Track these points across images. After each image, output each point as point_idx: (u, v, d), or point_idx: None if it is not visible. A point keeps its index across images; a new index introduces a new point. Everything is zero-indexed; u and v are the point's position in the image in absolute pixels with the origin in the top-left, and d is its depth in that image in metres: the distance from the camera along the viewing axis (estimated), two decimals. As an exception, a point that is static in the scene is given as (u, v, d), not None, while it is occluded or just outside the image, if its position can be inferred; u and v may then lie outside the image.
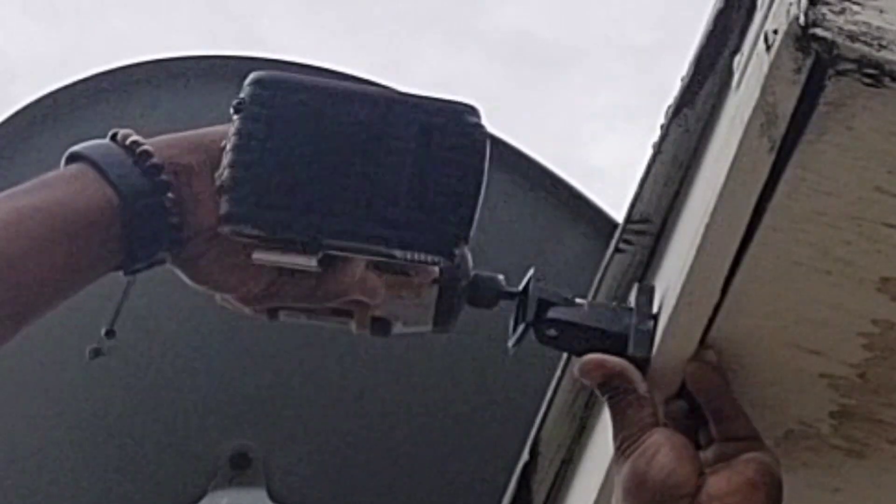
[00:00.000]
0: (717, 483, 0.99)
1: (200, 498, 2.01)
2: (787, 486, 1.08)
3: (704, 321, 1.00)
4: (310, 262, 1.03)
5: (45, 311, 1.02)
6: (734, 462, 1.01)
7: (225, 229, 1.02)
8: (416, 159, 1.03)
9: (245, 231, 1.02)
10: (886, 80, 0.89)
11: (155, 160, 1.03)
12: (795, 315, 1.00)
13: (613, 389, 1.03)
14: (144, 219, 1.02)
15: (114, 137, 1.05)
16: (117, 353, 2.03)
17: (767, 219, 0.95)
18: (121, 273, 1.05)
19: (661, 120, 1.16)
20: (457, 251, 1.03)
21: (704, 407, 1.03)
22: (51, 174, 1.03)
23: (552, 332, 1.08)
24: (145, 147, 1.04)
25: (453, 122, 1.04)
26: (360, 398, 2.08)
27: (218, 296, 1.09)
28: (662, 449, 1.00)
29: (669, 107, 1.15)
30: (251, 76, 1.05)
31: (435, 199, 1.02)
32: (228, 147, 1.02)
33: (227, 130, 1.05)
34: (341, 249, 1.03)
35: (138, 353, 2.04)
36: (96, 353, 1.10)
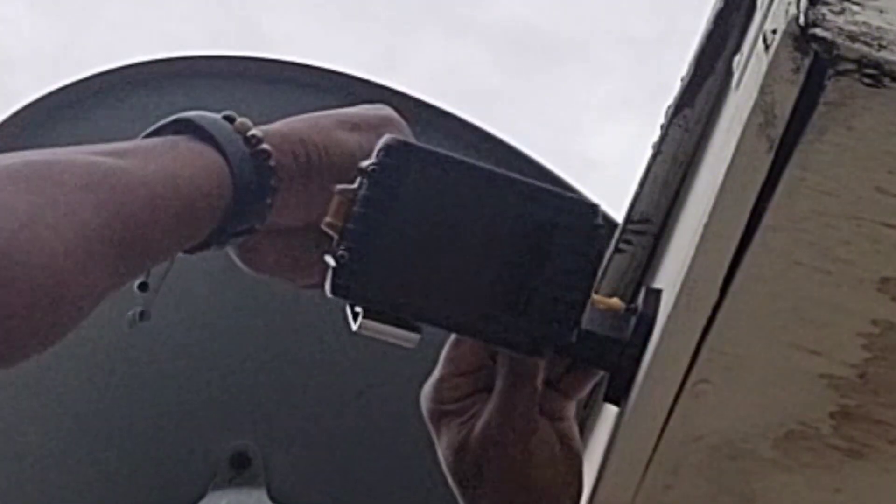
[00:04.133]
0: None
1: (200, 498, 2.00)
2: (787, 486, 1.09)
3: (704, 321, 1.00)
4: (411, 338, 1.04)
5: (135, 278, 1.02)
6: None
7: (332, 297, 1.02)
8: (534, 256, 1.01)
9: (352, 302, 1.03)
10: (886, 80, 0.89)
11: (271, 162, 1.03)
12: (795, 315, 1.00)
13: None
14: (241, 217, 1.02)
15: (229, 119, 1.04)
16: (116, 352, 2.03)
17: (767, 219, 0.95)
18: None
19: (661, 119, 1.16)
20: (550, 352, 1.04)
21: None
22: (175, 144, 1.01)
23: None
24: (265, 147, 1.03)
25: (579, 223, 1.02)
26: (360, 398, 2.08)
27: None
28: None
29: (669, 107, 1.15)
30: (385, 139, 1.03)
31: (544, 304, 1.01)
32: (353, 210, 1.01)
33: (333, 139, 1.05)
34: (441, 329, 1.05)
35: (138, 352, 2.04)
36: (141, 315, 1.10)
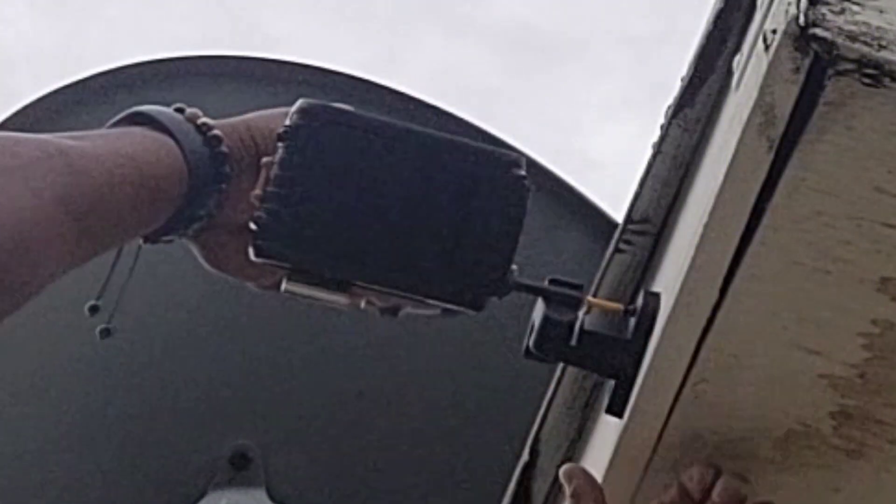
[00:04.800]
0: None
1: (200, 498, 2.00)
2: (787, 486, 1.09)
3: (704, 321, 1.00)
4: (339, 300, 1.02)
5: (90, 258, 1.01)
6: None
7: (257, 260, 1.02)
8: (457, 209, 1.01)
9: (276, 264, 1.02)
10: (886, 80, 0.89)
11: (223, 148, 1.04)
12: (795, 315, 1.00)
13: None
14: (197, 202, 1.03)
15: (179, 111, 1.05)
16: (116, 352, 2.03)
17: (767, 219, 0.95)
18: (141, 240, 1.06)
19: (661, 119, 1.16)
20: (486, 302, 1.03)
21: None
22: (129, 130, 1.03)
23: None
24: (216, 133, 1.04)
25: (500, 174, 1.01)
26: (360, 398, 2.08)
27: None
28: None
29: (669, 107, 1.15)
30: (299, 104, 1.02)
31: (471, 253, 1.01)
32: (271, 174, 1.01)
33: (278, 125, 1.04)
34: (371, 290, 1.03)
35: (137, 352, 2.04)
36: (106, 332, 1.10)
